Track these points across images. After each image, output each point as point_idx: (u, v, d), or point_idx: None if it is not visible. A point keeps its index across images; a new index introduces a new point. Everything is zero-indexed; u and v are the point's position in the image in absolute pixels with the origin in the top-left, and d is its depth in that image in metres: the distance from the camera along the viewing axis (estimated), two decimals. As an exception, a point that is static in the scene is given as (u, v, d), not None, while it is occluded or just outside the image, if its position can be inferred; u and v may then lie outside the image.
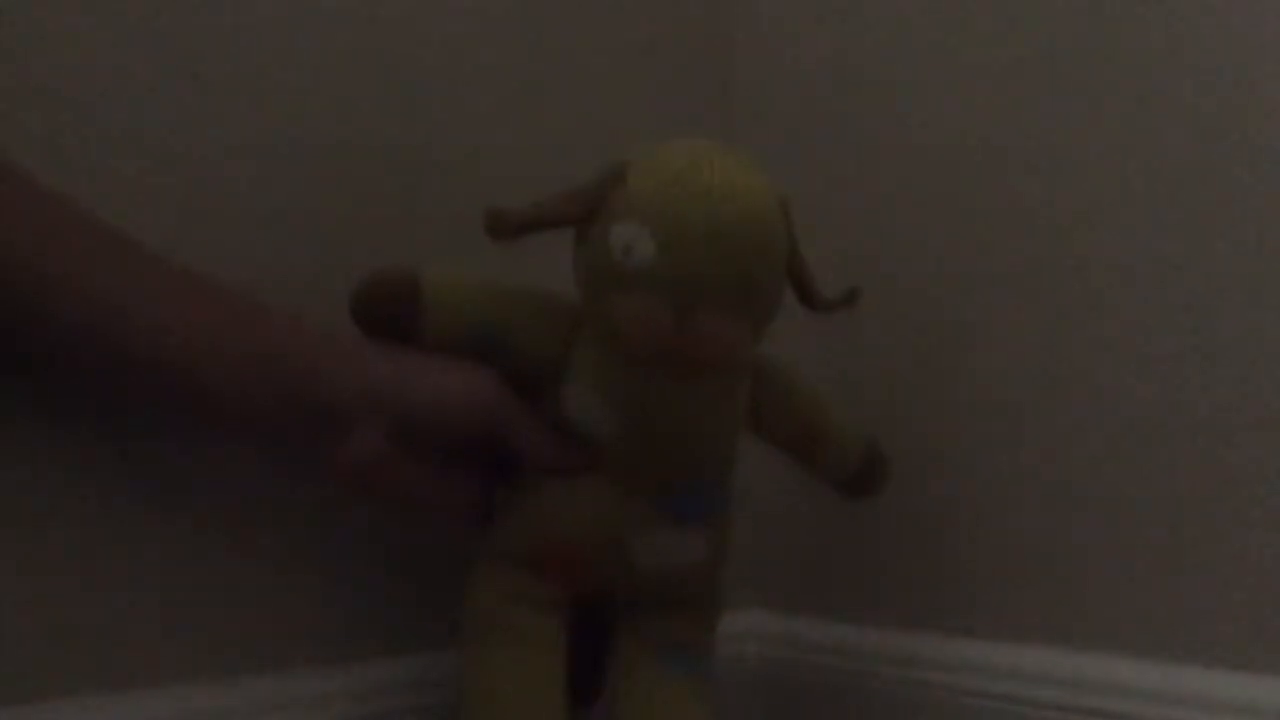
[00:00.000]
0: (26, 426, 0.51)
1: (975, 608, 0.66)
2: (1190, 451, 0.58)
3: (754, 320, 0.51)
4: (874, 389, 0.72)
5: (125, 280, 0.48)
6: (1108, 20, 0.62)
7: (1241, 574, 0.56)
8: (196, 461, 0.55)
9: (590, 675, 0.58)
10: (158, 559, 0.54)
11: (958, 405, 0.67)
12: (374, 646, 0.60)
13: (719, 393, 0.53)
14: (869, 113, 0.73)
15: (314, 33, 0.61)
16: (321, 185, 0.60)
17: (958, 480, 0.67)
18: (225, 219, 0.57)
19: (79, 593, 0.52)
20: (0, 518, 0.50)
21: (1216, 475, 0.57)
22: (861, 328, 0.72)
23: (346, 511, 0.60)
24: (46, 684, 0.51)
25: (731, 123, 0.81)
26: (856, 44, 0.75)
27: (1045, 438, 0.63)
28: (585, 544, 0.53)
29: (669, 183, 0.49)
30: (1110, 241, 0.61)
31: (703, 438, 0.53)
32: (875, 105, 0.73)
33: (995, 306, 0.66)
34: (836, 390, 0.67)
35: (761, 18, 0.81)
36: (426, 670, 0.60)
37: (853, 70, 0.75)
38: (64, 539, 0.52)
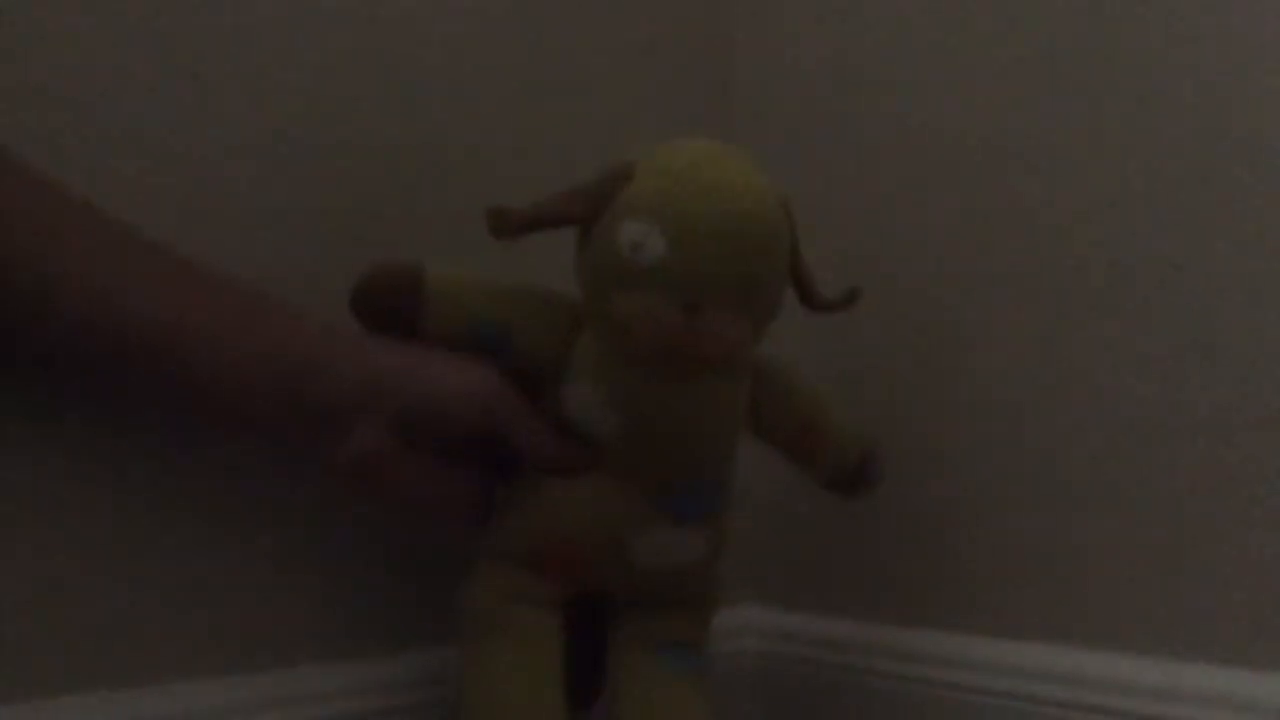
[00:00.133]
0: (27, 426, 0.51)
1: (975, 604, 0.66)
2: (1190, 451, 0.58)
3: (757, 318, 0.51)
4: (874, 389, 0.72)
5: (125, 278, 0.48)
6: (1108, 20, 0.62)
7: (1241, 571, 0.56)
8: (197, 461, 0.55)
9: (590, 676, 0.58)
10: (159, 558, 0.54)
11: (958, 405, 0.67)
12: (374, 644, 0.60)
13: (720, 392, 0.53)
14: (869, 113, 0.74)
15: (314, 33, 0.61)
16: (322, 185, 0.60)
17: (958, 479, 0.67)
18: (226, 219, 0.57)
19: (80, 591, 0.52)
20: (1, 517, 0.50)
21: (1216, 474, 0.57)
22: (861, 328, 0.72)
23: (347, 510, 0.60)
24: (48, 682, 0.51)
25: (731, 123, 0.81)
26: (856, 44, 0.75)
27: (1045, 437, 0.63)
28: (585, 543, 0.53)
29: (678, 181, 0.49)
30: (1110, 241, 0.61)
31: (703, 437, 0.53)
32: (875, 105, 0.73)
33: (995, 306, 0.66)
34: (836, 390, 0.67)
35: (761, 18, 0.81)
36: (426, 668, 0.60)
37: (853, 70, 0.75)
38: (65, 538, 0.52)
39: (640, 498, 0.53)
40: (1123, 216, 0.61)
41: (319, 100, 0.61)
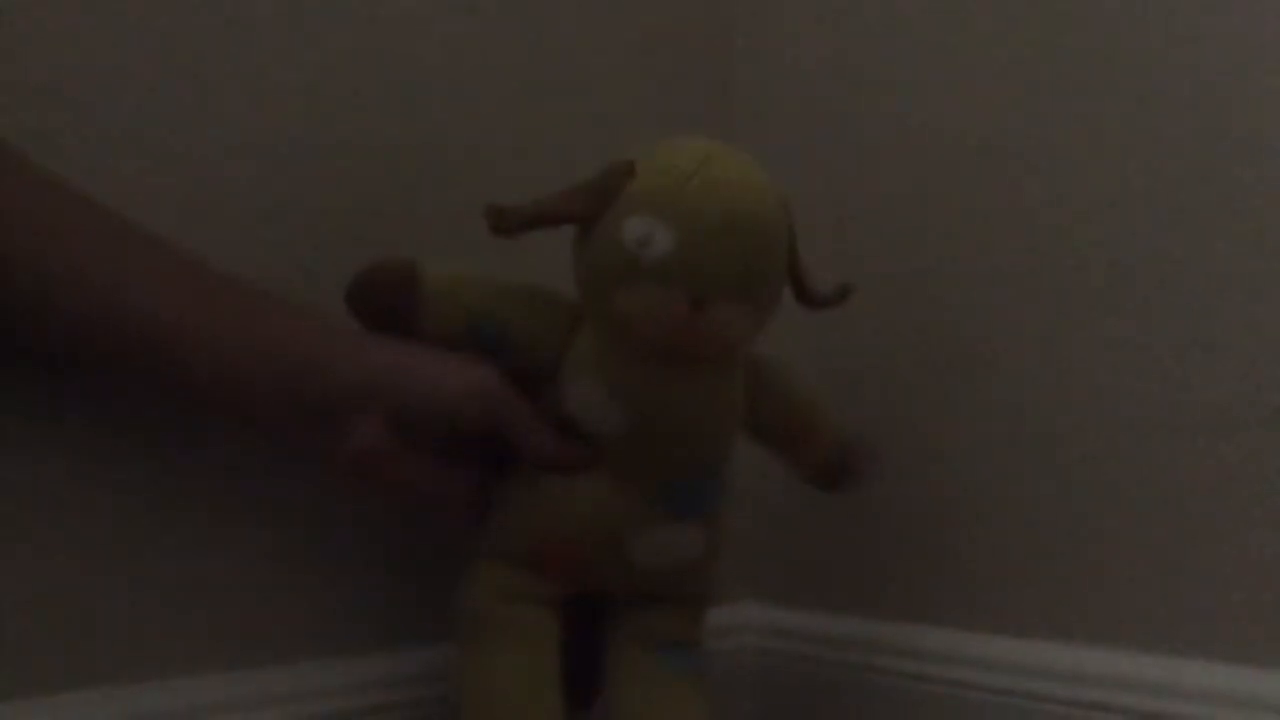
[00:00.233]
0: (27, 426, 0.51)
1: (974, 601, 0.66)
2: (1191, 449, 0.58)
3: (759, 312, 0.52)
4: (874, 389, 0.72)
5: (125, 277, 0.48)
6: (1107, 20, 0.62)
7: (1242, 569, 0.56)
8: (197, 461, 0.55)
9: (588, 675, 0.58)
10: (159, 557, 0.54)
11: (958, 404, 0.67)
12: (374, 641, 0.60)
13: (720, 388, 0.53)
14: (869, 113, 0.74)
15: (314, 33, 0.61)
16: (322, 184, 0.60)
17: (958, 477, 0.67)
18: (226, 218, 0.57)
19: (80, 590, 0.52)
20: (3, 515, 0.50)
21: (1217, 472, 0.57)
22: (861, 327, 0.72)
23: (346, 509, 0.60)
24: (49, 679, 0.51)
25: (731, 123, 0.81)
26: (856, 44, 0.75)
27: (1046, 437, 0.63)
28: (585, 542, 0.53)
29: (683, 178, 0.49)
30: (1110, 241, 0.61)
31: (704, 433, 0.53)
32: (875, 105, 0.73)
33: (995, 306, 0.66)
34: (836, 390, 0.67)
35: (761, 18, 0.81)
36: (426, 664, 0.60)
37: (853, 70, 0.75)
38: (66, 536, 0.52)
39: (640, 496, 0.53)
40: (1123, 216, 0.61)
41: (319, 100, 0.61)
